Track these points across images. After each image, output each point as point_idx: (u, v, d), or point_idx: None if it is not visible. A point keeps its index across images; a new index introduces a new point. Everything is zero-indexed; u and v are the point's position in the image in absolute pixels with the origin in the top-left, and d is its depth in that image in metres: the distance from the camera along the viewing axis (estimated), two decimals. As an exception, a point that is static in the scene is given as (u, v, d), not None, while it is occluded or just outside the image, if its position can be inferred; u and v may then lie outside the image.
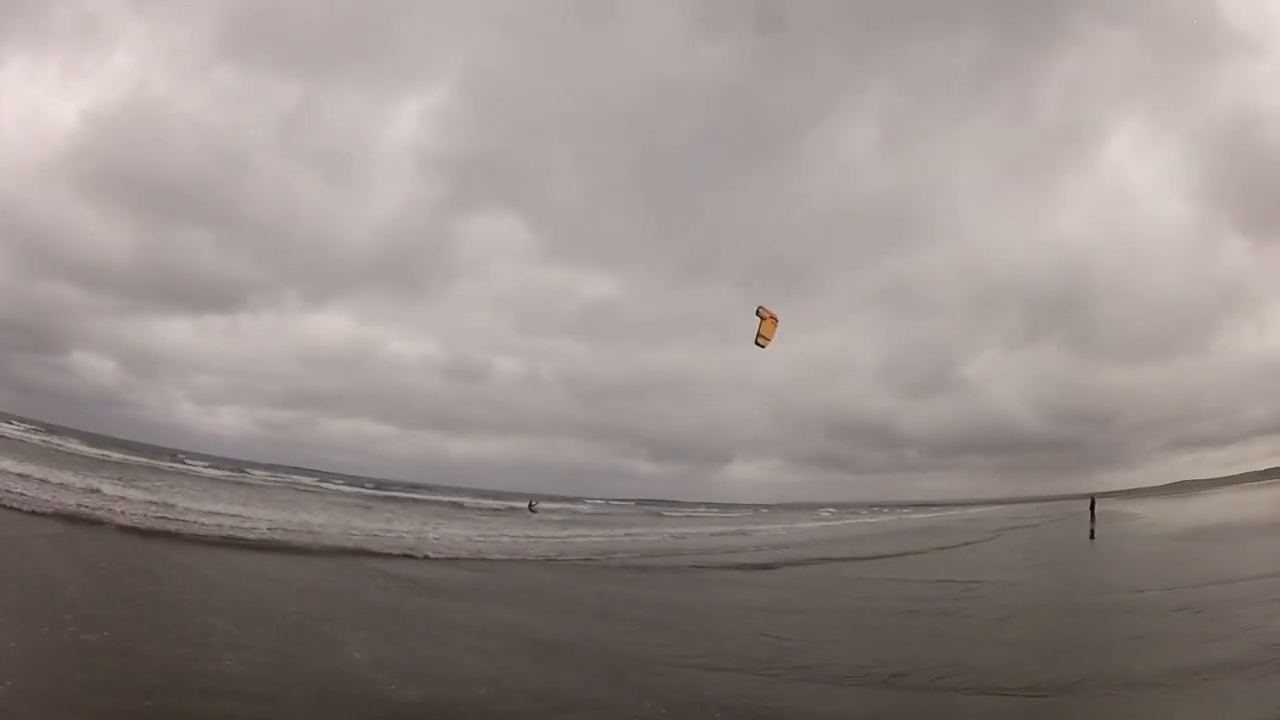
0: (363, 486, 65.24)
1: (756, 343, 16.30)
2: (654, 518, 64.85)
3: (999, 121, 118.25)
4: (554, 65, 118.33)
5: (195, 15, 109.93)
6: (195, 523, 21.46)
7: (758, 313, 16.28)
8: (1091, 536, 34.35)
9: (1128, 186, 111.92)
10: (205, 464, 58.76)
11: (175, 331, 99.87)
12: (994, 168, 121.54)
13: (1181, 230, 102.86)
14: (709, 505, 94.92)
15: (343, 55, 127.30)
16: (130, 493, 26.34)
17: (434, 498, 62.27)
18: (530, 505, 65.15)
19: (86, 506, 20.64)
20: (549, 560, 24.92)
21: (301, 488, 54.13)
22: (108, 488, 25.95)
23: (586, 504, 78.38)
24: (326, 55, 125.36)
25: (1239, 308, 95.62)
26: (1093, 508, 39.21)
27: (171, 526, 20.19)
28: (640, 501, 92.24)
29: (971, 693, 9.34)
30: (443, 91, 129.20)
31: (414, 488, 73.34)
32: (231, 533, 20.81)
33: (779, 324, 16.38)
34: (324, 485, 60.33)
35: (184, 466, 53.34)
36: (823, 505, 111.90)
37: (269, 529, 22.77)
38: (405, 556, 21.80)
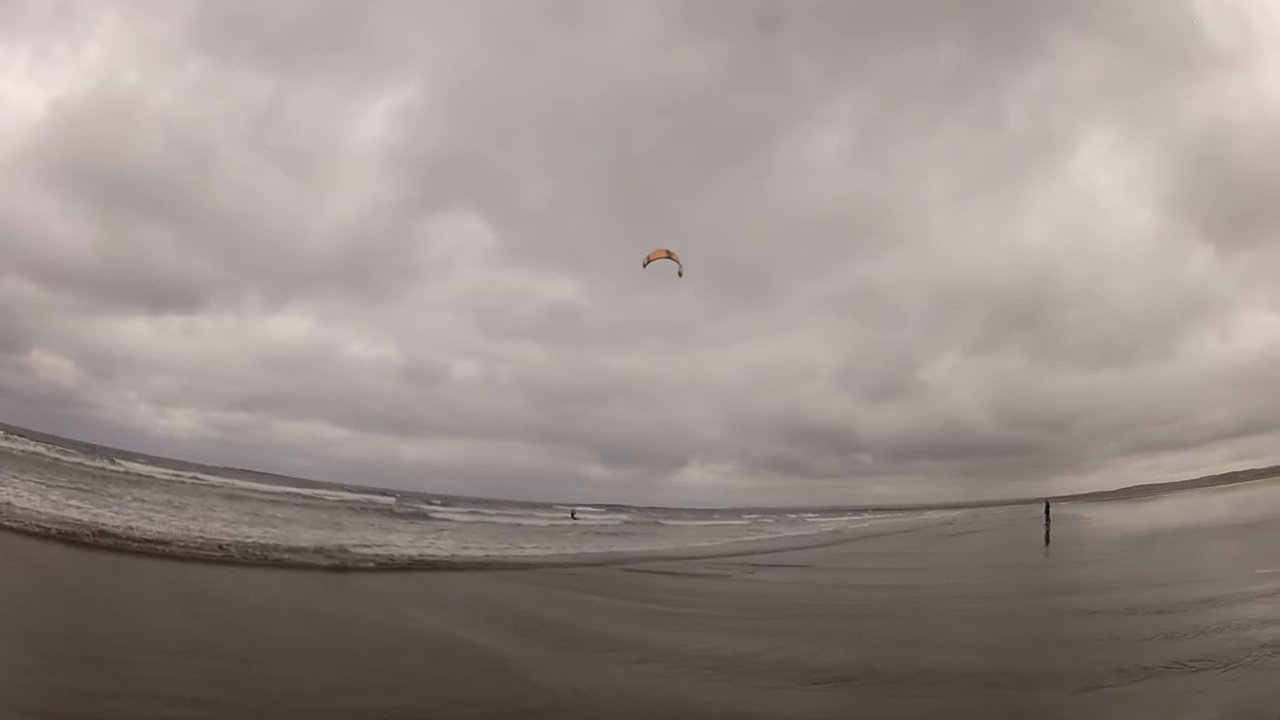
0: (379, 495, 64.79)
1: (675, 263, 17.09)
2: (654, 525, 64.93)
3: (969, 130, 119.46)
4: (527, 66, 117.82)
5: (170, 5, 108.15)
6: (157, 537, 21.09)
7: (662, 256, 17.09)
8: (1047, 541, 34.51)
9: (1095, 195, 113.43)
10: (198, 473, 57.54)
11: (134, 331, 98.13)
12: (962, 175, 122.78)
13: (1147, 238, 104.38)
14: (693, 511, 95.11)
15: (315, 50, 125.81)
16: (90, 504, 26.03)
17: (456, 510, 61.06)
18: (572, 514, 67.81)
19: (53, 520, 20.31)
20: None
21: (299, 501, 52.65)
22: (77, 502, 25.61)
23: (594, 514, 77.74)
24: (299, 50, 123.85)
25: (1202, 315, 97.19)
26: (1048, 512, 39.34)
27: (132, 545, 19.56)
28: (636, 509, 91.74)
29: (925, 694, 9.46)
30: (413, 90, 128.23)
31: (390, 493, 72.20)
32: (197, 547, 20.57)
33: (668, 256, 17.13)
34: (326, 496, 59.48)
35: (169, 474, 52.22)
36: (806, 510, 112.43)
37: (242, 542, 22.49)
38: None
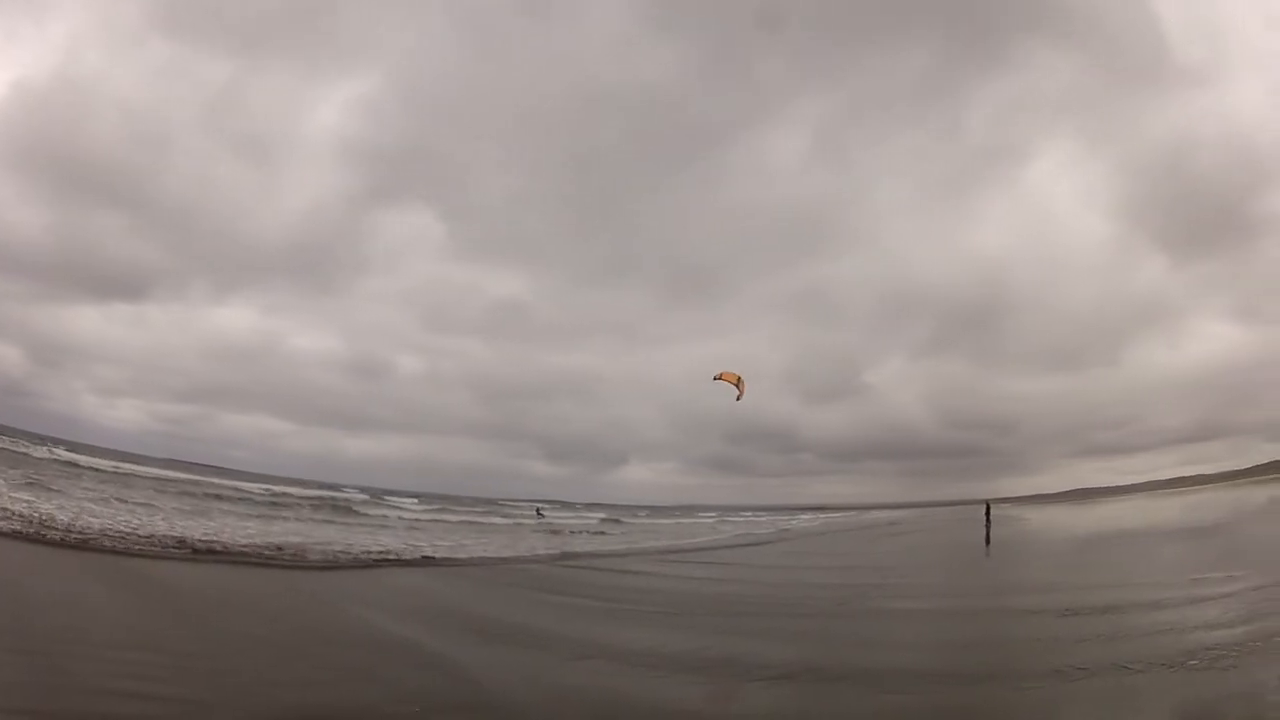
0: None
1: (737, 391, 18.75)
2: (632, 525, 64.96)
3: (931, 137, 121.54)
4: (491, 61, 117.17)
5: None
6: (105, 531, 20.89)
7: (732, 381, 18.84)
8: (987, 542, 34.62)
9: (1051, 204, 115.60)
10: (145, 465, 56.34)
11: (81, 319, 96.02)
12: (920, 182, 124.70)
13: (1100, 247, 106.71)
14: (651, 509, 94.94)
15: (280, 35, 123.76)
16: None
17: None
18: (538, 511, 67.82)
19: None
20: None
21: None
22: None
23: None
24: (264, 34, 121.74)
25: (1153, 323, 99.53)
26: (988, 513, 38.96)
27: (77, 537, 19.40)
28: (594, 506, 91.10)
29: (866, 692, 9.68)
30: (374, 79, 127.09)
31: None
32: (145, 541, 20.43)
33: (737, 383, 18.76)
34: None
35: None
36: (750, 508, 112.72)
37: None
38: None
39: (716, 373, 19.85)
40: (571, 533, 47.25)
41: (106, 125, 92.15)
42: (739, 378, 19.72)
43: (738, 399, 19.84)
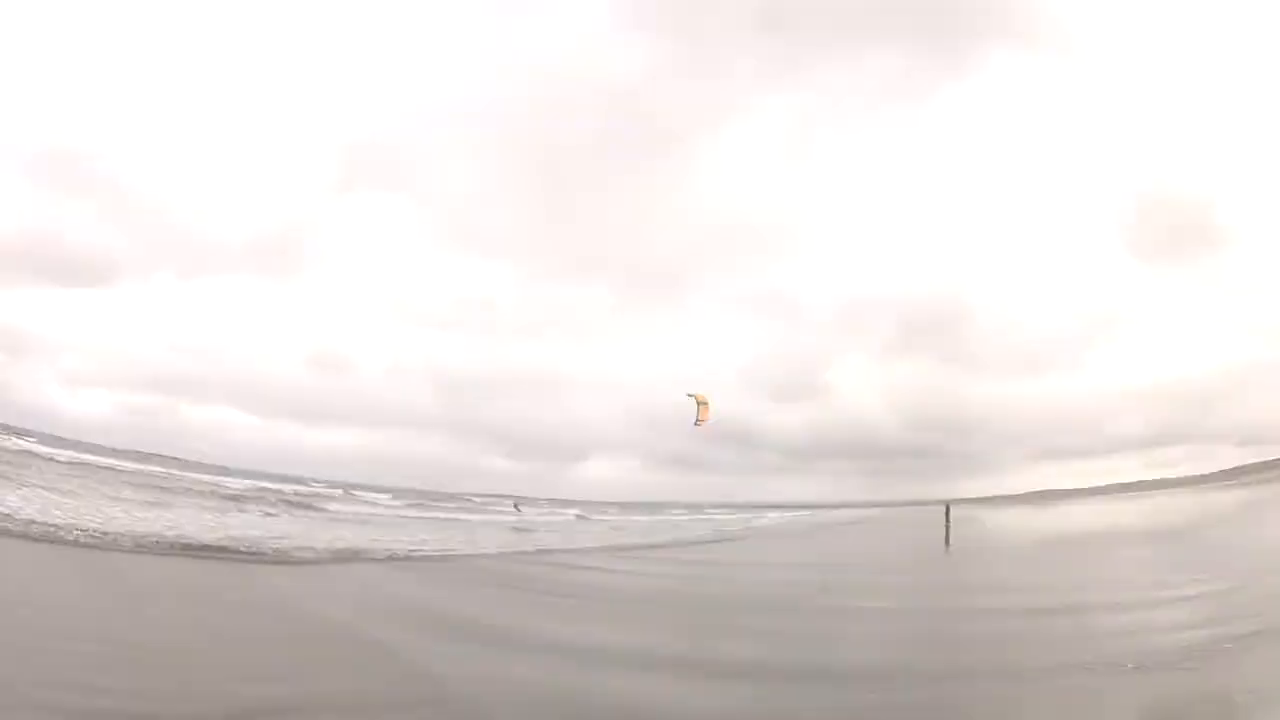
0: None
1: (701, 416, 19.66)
2: (585, 520, 64.79)
3: (897, 139, 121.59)
4: (459, 51, 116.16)
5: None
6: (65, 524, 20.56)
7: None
8: (946, 542, 34.60)
9: (1018, 208, 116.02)
10: (107, 456, 55.42)
11: (45, 306, 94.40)
12: (885, 183, 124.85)
13: (1068, 252, 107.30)
14: (623, 505, 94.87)
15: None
16: None
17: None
18: (516, 506, 67.90)
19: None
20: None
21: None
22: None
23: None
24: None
25: (1119, 328, 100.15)
26: (948, 514, 38.71)
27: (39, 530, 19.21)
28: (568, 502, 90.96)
29: (823, 689, 9.73)
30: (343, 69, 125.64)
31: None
32: (105, 534, 20.15)
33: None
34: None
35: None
36: (712, 505, 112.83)
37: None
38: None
39: (689, 391, 20.59)
40: (534, 529, 47.02)
41: (77, 108, 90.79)
42: (705, 401, 20.46)
43: (696, 423, 20.52)
